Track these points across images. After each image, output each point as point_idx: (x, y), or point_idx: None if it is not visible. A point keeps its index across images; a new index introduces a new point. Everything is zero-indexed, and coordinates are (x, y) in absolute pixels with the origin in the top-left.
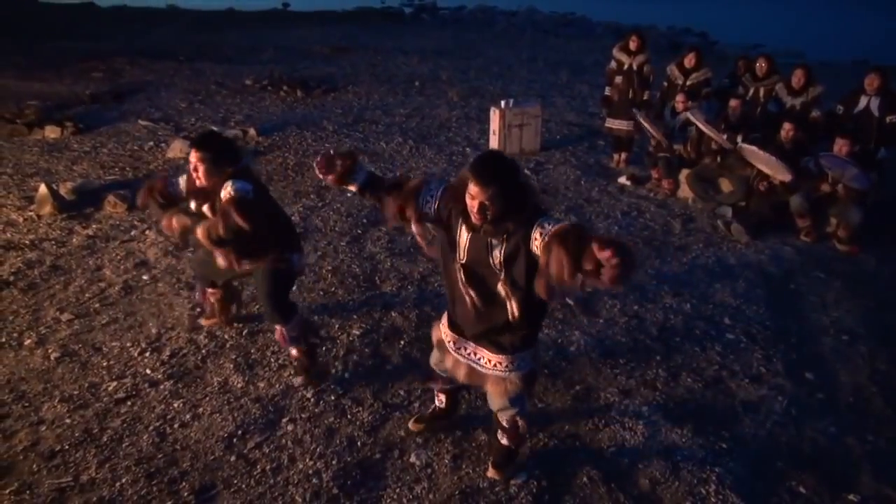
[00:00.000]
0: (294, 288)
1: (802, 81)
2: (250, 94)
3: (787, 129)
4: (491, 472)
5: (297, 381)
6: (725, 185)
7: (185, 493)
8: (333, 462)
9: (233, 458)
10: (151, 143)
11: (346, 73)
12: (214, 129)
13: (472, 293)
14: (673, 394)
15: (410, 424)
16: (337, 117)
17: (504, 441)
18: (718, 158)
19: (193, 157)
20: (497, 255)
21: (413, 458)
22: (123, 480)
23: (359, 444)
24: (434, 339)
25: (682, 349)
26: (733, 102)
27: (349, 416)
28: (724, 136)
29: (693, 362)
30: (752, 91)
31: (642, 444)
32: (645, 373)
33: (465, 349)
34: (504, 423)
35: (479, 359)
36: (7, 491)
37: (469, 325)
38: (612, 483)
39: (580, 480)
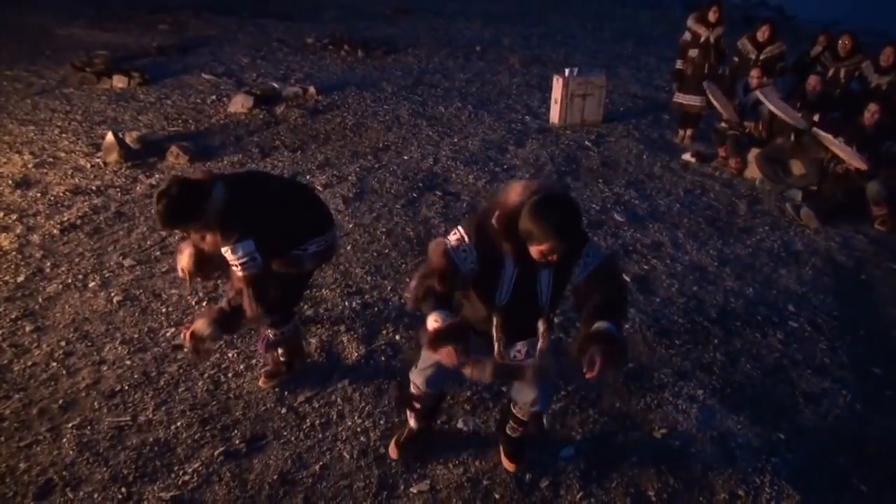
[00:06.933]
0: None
1: (892, 59)
2: (311, 52)
3: (871, 111)
4: (508, 464)
5: (261, 382)
6: (797, 168)
7: (237, 441)
8: (381, 422)
9: (283, 411)
10: (214, 97)
11: (408, 35)
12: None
13: (501, 339)
14: (730, 379)
15: (391, 451)
16: (396, 79)
17: (515, 434)
18: (792, 138)
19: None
20: (545, 287)
21: (461, 425)
22: (178, 424)
23: None
24: (430, 350)
25: (741, 334)
26: (812, 80)
27: (398, 378)
28: (800, 115)
29: (753, 348)
30: (831, 71)
31: (695, 427)
32: (702, 355)
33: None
34: (524, 418)
35: (510, 352)
36: (70, 425)
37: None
38: (662, 465)
39: (629, 460)
